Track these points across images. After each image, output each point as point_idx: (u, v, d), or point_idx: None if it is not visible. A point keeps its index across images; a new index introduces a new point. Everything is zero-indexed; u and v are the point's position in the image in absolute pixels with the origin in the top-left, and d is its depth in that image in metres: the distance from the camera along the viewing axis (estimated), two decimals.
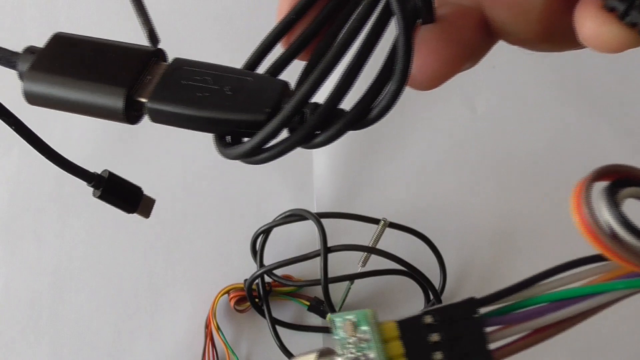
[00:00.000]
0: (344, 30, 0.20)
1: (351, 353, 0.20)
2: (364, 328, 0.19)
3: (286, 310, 0.47)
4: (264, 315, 0.45)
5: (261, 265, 0.45)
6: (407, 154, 0.50)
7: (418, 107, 0.51)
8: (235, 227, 0.48)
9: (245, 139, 0.20)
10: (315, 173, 0.50)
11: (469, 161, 0.50)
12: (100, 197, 0.29)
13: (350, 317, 0.20)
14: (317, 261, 0.42)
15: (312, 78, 0.19)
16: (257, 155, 0.20)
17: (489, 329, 0.19)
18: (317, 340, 0.46)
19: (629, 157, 0.50)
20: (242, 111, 0.20)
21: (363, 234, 0.44)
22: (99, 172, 0.30)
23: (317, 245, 0.42)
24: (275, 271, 0.44)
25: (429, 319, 0.19)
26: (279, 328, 0.45)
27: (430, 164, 0.50)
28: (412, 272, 0.43)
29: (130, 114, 0.21)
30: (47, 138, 0.26)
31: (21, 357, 0.45)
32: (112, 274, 0.47)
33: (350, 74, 0.18)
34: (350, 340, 0.20)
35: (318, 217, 0.42)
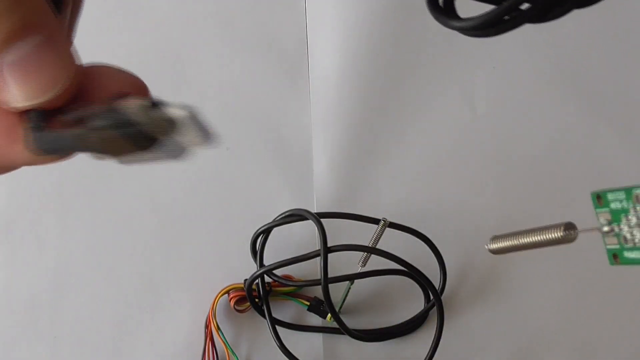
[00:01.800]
0: None
1: (633, 216, 0.24)
2: None
3: (286, 310, 0.47)
4: (264, 315, 0.45)
5: (261, 265, 0.45)
6: (407, 154, 0.50)
7: (418, 107, 0.51)
8: (235, 227, 0.48)
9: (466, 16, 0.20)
10: (315, 173, 0.50)
11: (469, 161, 0.50)
12: None
13: None
14: (317, 261, 0.42)
15: None
16: (492, 26, 0.20)
17: None
18: (317, 340, 0.46)
19: (629, 157, 0.50)
20: None
21: (363, 234, 0.44)
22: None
23: (317, 245, 0.42)
24: (275, 271, 0.44)
25: None
26: (279, 328, 0.45)
27: (430, 164, 0.50)
28: (412, 272, 0.43)
29: None
30: None
31: (21, 357, 0.45)
32: (112, 274, 0.47)
33: None
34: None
35: (318, 217, 0.42)
